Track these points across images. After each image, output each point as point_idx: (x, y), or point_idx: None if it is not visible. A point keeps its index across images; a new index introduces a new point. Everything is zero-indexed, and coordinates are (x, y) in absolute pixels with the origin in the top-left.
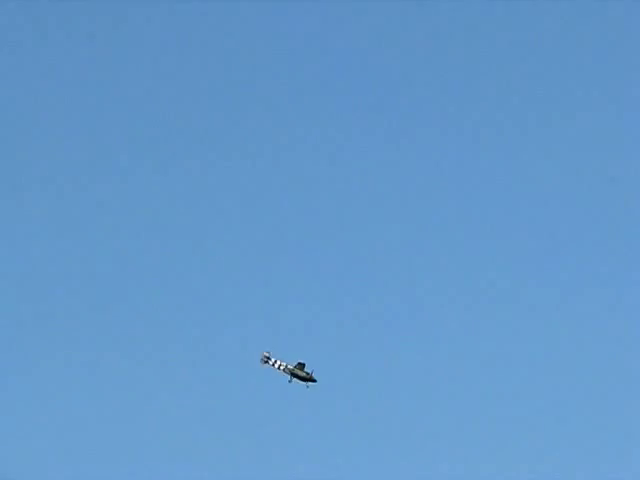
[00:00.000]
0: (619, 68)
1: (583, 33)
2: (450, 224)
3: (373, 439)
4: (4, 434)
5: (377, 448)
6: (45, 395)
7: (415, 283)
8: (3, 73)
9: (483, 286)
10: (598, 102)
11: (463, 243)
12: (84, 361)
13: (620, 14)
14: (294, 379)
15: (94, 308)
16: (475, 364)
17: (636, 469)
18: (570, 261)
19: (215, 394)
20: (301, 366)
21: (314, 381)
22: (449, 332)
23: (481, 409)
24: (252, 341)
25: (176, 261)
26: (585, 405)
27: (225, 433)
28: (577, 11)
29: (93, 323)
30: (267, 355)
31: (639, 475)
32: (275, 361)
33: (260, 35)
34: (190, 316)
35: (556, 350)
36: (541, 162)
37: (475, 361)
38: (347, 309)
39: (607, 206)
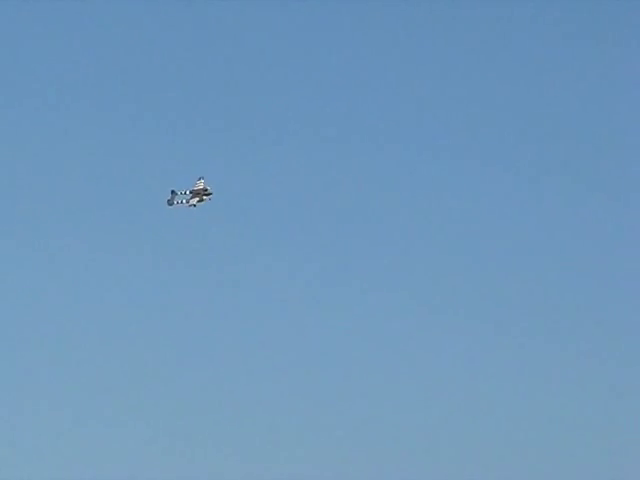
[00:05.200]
0: (620, 68)
1: (583, 34)
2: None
3: None
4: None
5: None
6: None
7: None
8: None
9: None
10: (598, 102)
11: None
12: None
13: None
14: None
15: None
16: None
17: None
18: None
19: None
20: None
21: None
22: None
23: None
24: None
25: None
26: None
27: None
28: (577, 12)
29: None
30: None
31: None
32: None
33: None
34: None
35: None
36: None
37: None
38: None
39: (607, 204)
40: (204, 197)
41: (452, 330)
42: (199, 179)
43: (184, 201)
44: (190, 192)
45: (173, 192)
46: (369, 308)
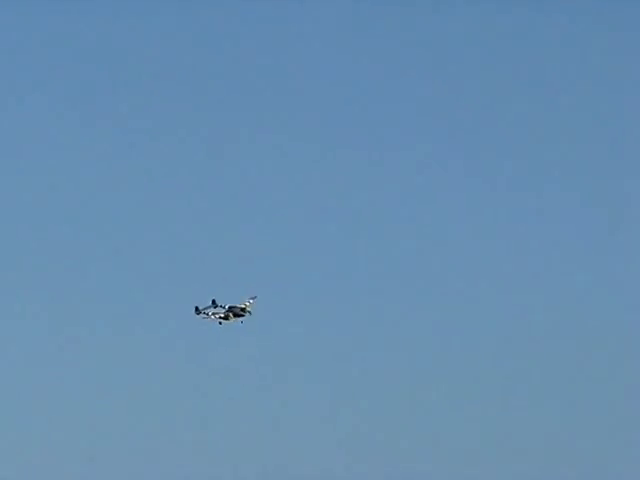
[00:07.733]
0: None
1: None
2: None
3: None
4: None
5: None
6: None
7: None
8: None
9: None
10: (599, 104)
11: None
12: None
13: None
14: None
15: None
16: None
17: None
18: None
19: None
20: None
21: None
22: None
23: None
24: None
25: None
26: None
27: None
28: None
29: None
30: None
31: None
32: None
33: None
34: None
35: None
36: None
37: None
38: None
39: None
40: (232, 317)
41: None
42: (251, 298)
43: (211, 313)
44: (228, 307)
45: (213, 302)
46: None
